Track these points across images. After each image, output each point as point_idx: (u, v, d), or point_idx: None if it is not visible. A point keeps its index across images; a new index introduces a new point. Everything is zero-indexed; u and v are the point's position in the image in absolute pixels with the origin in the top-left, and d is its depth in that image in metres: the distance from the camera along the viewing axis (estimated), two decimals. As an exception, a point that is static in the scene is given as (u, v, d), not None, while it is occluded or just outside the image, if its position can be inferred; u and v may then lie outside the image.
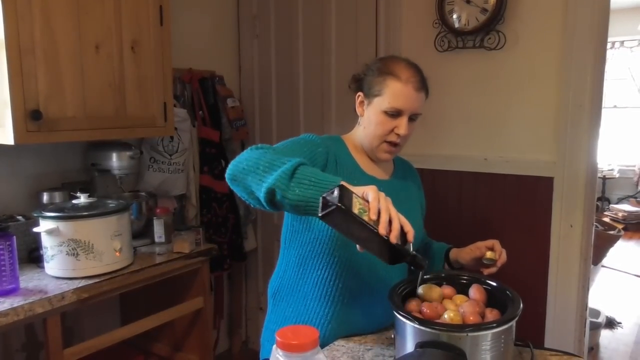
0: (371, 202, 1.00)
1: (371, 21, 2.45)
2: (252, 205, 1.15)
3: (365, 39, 2.45)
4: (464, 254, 1.42)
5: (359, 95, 1.38)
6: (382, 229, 0.97)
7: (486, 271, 1.32)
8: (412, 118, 1.33)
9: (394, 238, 0.98)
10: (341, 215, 0.96)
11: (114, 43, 1.95)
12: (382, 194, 1.02)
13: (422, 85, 1.33)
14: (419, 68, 1.35)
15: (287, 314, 1.38)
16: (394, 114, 1.30)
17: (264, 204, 1.08)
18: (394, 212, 1.00)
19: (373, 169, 1.40)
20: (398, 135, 1.32)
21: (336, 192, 0.97)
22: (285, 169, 1.04)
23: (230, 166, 1.15)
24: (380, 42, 2.42)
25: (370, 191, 1.01)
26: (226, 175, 1.16)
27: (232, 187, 1.16)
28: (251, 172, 1.10)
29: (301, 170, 1.05)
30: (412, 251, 1.04)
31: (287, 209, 1.07)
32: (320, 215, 0.98)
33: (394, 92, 1.29)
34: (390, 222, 0.99)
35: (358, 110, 1.39)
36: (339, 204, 0.95)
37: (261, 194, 1.06)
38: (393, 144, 1.34)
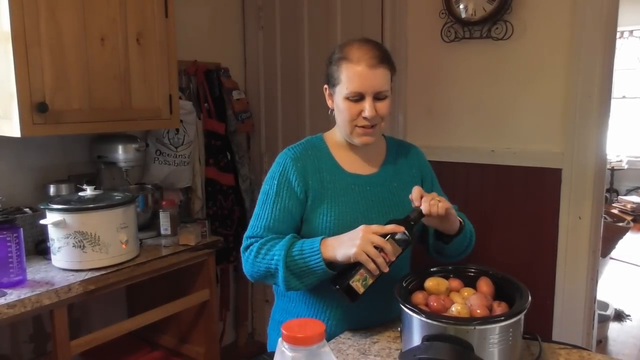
0: (365, 268, 1.15)
1: (377, 12, 2.42)
2: None
3: (371, 30, 2.42)
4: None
5: (325, 89, 1.35)
6: (383, 269, 1.15)
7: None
8: (378, 97, 1.26)
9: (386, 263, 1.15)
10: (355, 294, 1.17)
11: (119, 35, 1.94)
12: (363, 239, 1.14)
13: (379, 60, 1.25)
14: (376, 44, 1.30)
15: (290, 308, 1.39)
16: (356, 98, 1.26)
17: None
18: (380, 242, 1.14)
19: (356, 165, 1.37)
20: (366, 118, 1.26)
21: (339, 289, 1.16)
22: (282, 276, 1.21)
23: (246, 273, 1.33)
24: (386, 32, 2.39)
25: (354, 256, 1.13)
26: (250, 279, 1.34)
27: None
28: (263, 279, 1.29)
29: (291, 266, 1.20)
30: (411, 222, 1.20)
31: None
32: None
33: (348, 75, 1.25)
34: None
35: (328, 103, 1.36)
36: (348, 297, 1.16)
37: (286, 291, 1.28)
38: (366, 126, 1.28)
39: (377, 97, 1.26)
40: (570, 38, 1.98)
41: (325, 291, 1.31)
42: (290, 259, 1.20)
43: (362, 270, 1.15)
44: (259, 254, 1.26)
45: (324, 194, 1.31)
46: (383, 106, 1.28)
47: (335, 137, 1.39)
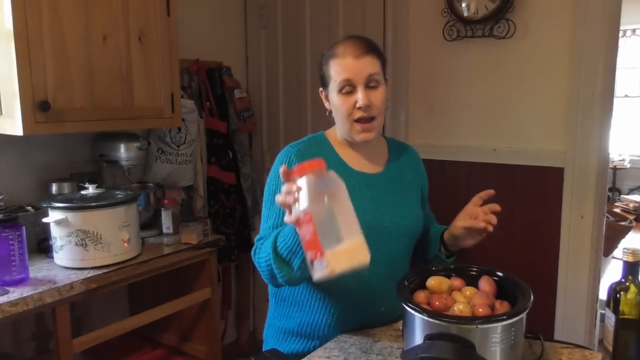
0: None
1: (379, 11, 2.42)
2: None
3: (372, 28, 2.42)
4: (456, 225, 1.34)
5: (320, 92, 1.36)
6: None
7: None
8: (371, 86, 1.26)
9: None
10: None
11: (121, 34, 1.94)
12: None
13: (364, 50, 1.26)
14: (361, 37, 1.31)
15: (291, 313, 1.37)
16: (348, 89, 1.26)
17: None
18: None
19: (361, 163, 1.36)
20: (361, 108, 1.25)
21: None
22: (275, 267, 1.15)
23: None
24: (388, 31, 2.39)
25: None
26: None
27: None
28: (270, 279, 1.21)
29: (280, 252, 1.14)
30: None
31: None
32: None
33: (337, 69, 1.26)
34: None
35: (326, 105, 1.36)
36: None
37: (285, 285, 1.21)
38: (364, 120, 1.27)
39: (370, 85, 1.26)
40: (572, 36, 1.97)
41: (328, 294, 1.31)
42: (277, 245, 1.15)
43: None
44: (259, 253, 1.22)
45: None
46: (377, 95, 1.27)
47: (336, 136, 1.39)
